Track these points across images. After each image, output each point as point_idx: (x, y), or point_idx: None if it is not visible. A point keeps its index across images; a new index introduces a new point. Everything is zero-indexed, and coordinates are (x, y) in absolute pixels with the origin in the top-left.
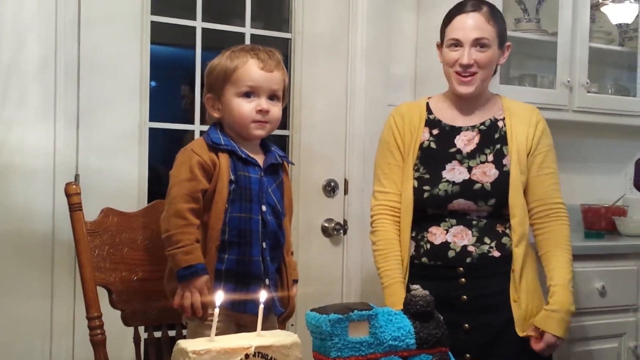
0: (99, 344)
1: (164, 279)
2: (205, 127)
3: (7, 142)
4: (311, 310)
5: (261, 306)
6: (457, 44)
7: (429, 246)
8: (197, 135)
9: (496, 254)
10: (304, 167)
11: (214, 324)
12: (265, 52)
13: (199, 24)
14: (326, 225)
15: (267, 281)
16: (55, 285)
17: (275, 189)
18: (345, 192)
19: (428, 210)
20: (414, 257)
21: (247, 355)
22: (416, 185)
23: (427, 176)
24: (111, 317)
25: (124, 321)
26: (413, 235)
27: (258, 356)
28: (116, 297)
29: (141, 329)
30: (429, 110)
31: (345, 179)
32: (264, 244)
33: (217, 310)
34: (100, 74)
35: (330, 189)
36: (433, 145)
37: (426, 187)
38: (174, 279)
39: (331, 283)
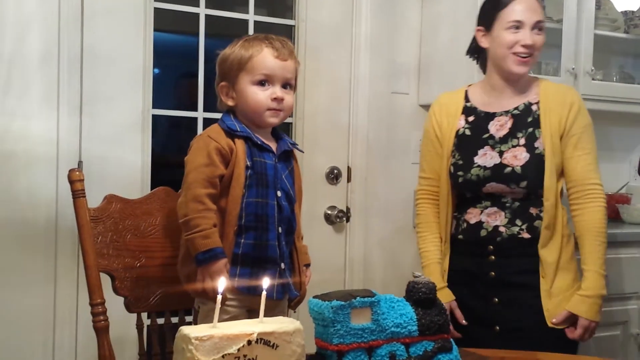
0: (102, 330)
1: (178, 263)
2: (208, 114)
3: (11, 131)
4: (314, 297)
5: (264, 293)
6: (518, 25)
7: (465, 225)
8: (200, 122)
9: (526, 235)
10: (307, 155)
11: (217, 311)
12: (279, 41)
13: (202, 11)
14: (329, 212)
15: (282, 265)
16: (58, 271)
17: (287, 175)
18: (349, 179)
19: (466, 193)
20: (454, 235)
21: (249, 342)
22: (452, 170)
23: (460, 162)
24: (114, 304)
25: (127, 307)
26: (455, 214)
27: (260, 342)
28: (119, 283)
29: (144, 315)
30: (466, 98)
31: (348, 167)
32: (280, 229)
33: (219, 297)
34: (104, 61)
35: (333, 176)
36: (468, 132)
37: (460, 173)
38: (189, 263)
39: (334, 270)
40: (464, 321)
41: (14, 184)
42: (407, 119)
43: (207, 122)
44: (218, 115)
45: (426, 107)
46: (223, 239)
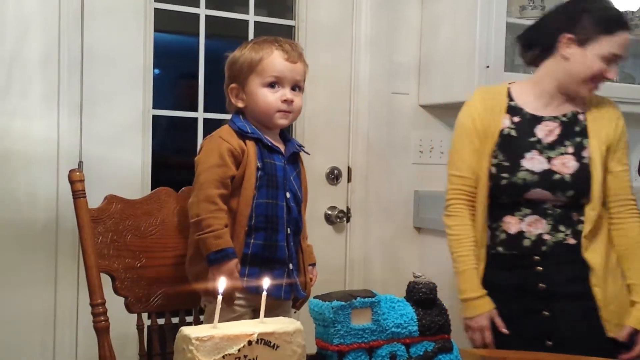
0: (102, 330)
1: (186, 262)
2: (208, 115)
3: (11, 131)
4: (314, 298)
5: (264, 293)
6: (614, 59)
7: (504, 235)
8: (200, 122)
9: (572, 241)
10: (307, 155)
11: (217, 312)
12: (288, 44)
13: (202, 11)
14: (329, 213)
15: (290, 266)
16: (58, 271)
17: (295, 177)
18: (349, 179)
19: (502, 198)
20: (490, 247)
21: (250, 342)
22: (494, 171)
23: (506, 163)
24: (115, 304)
25: (128, 308)
26: (488, 223)
27: (261, 343)
28: (119, 283)
29: (144, 315)
30: (509, 97)
31: (348, 167)
32: (288, 230)
33: (220, 298)
34: (104, 62)
35: (333, 176)
36: (513, 132)
37: (504, 175)
38: (198, 262)
39: (334, 270)
40: (504, 329)
41: (14, 184)
42: (407, 119)
43: (207, 123)
44: (218, 116)
45: (426, 107)
46: (233, 239)
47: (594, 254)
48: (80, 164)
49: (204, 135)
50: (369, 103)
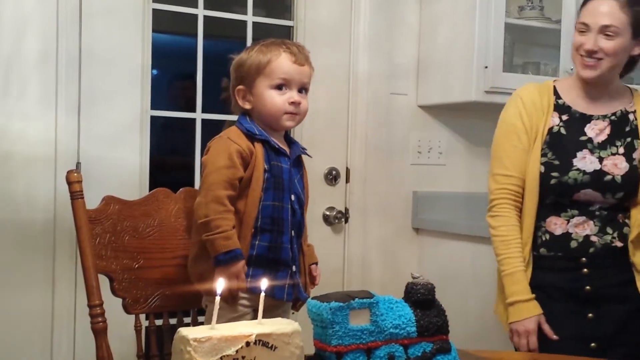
0: (100, 331)
1: (189, 262)
2: (206, 115)
3: (9, 132)
4: (312, 298)
5: (262, 294)
6: (585, 29)
7: (548, 236)
8: (198, 123)
9: (619, 244)
10: (305, 155)
11: (215, 312)
12: (296, 46)
13: (200, 12)
14: (328, 213)
15: (293, 267)
16: (56, 273)
17: (299, 180)
18: (347, 180)
19: (550, 198)
20: (532, 248)
21: (248, 343)
22: (543, 170)
23: (556, 162)
24: (112, 305)
25: (125, 309)
26: (543, 221)
27: (259, 344)
28: (117, 285)
29: (142, 316)
30: (556, 94)
31: (347, 167)
32: (292, 232)
33: (217, 299)
34: (102, 62)
35: (332, 177)
36: (563, 131)
37: (554, 174)
38: (203, 262)
39: (332, 271)
40: (554, 336)
41: (12, 185)
42: (406, 120)
43: (206, 124)
44: (216, 117)
45: (425, 107)
46: (240, 240)
47: None
48: (78, 164)
49: (202, 136)
50: (367, 103)
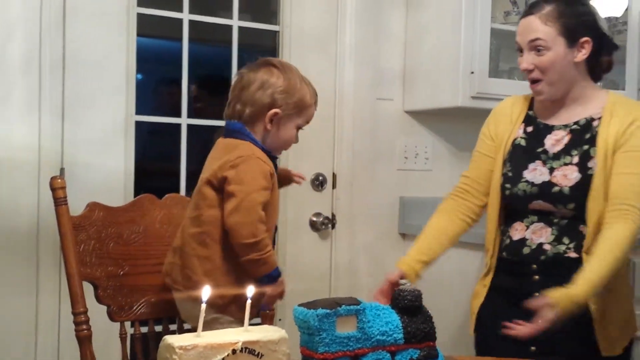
0: (84, 339)
1: (206, 276)
2: (191, 121)
3: None
4: (299, 305)
5: (248, 301)
6: (519, 49)
7: (508, 241)
8: (183, 128)
9: (573, 254)
10: (292, 161)
11: (201, 319)
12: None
13: (185, 16)
14: (314, 219)
15: None
16: (40, 280)
17: None
18: (334, 186)
19: (509, 206)
20: (498, 251)
21: (234, 351)
22: (501, 181)
23: (510, 174)
24: (97, 313)
25: (110, 316)
26: (502, 228)
27: (245, 351)
28: (102, 292)
29: (127, 324)
30: (531, 106)
31: (333, 173)
32: None
33: (203, 306)
34: (86, 67)
35: (318, 183)
36: (523, 142)
37: (507, 185)
38: (216, 277)
39: (319, 278)
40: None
41: None
42: (392, 125)
43: (191, 129)
44: (202, 122)
45: (411, 113)
46: None
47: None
48: (62, 170)
49: (188, 142)
50: (353, 109)
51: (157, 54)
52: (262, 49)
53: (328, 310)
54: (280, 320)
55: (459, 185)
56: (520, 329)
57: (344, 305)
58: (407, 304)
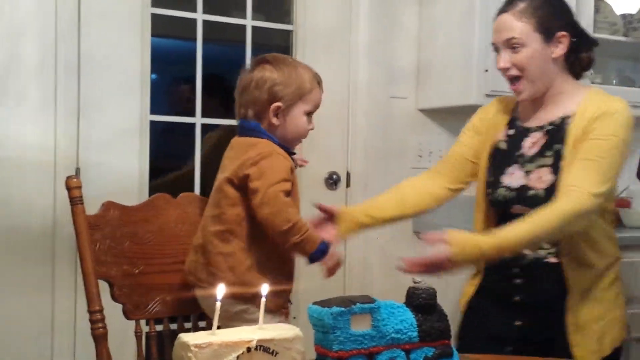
0: (100, 337)
1: (230, 271)
2: (206, 120)
3: (8, 137)
4: (313, 304)
5: (263, 299)
6: (496, 48)
7: None
8: (198, 128)
9: (552, 260)
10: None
11: (215, 317)
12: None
13: (199, 16)
14: None
15: None
16: (56, 279)
17: None
18: (347, 184)
19: (496, 210)
20: None
21: (248, 349)
22: (484, 187)
23: (491, 179)
24: (113, 311)
25: (126, 315)
26: (490, 231)
27: (260, 349)
28: (117, 290)
29: (143, 322)
30: (515, 108)
31: (347, 172)
32: None
33: (218, 304)
34: (101, 67)
35: (332, 181)
36: (504, 146)
37: (489, 191)
38: (247, 270)
39: (333, 276)
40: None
41: (11, 191)
42: (406, 124)
43: (205, 128)
44: (216, 121)
45: (424, 111)
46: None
47: (577, 279)
48: (78, 170)
49: (202, 141)
50: (367, 107)
51: (171, 54)
52: (276, 48)
53: (343, 309)
54: (294, 318)
55: (432, 168)
56: (408, 259)
57: (358, 304)
58: (422, 302)
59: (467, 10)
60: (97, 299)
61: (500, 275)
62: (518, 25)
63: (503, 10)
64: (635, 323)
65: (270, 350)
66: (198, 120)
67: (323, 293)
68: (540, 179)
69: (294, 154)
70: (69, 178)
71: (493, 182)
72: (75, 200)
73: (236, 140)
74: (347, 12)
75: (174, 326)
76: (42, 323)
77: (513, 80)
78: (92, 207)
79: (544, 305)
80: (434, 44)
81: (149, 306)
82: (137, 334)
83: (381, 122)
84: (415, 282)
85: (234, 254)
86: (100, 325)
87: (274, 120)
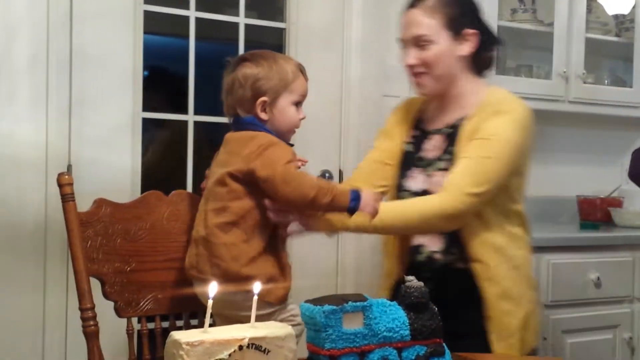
0: (91, 335)
1: (234, 261)
2: (198, 117)
3: (0, 134)
4: (305, 302)
5: (255, 297)
6: (403, 44)
7: (409, 245)
8: (190, 125)
9: (460, 265)
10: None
11: (207, 314)
12: (300, 64)
13: (192, 14)
14: None
15: None
16: (47, 276)
17: None
18: (340, 182)
19: None
20: (401, 255)
21: (240, 347)
22: (394, 190)
23: (397, 182)
24: (104, 309)
25: (117, 312)
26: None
27: (252, 348)
28: (109, 288)
29: (134, 320)
30: (422, 108)
31: (340, 170)
32: None
33: (210, 302)
34: (93, 64)
35: (325, 179)
36: (410, 148)
37: (396, 194)
38: (250, 261)
39: (326, 274)
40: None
41: (2, 187)
42: None
43: (198, 126)
44: (209, 119)
45: None
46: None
47: (485, 280)
48: (69, 167)
49: (195, 139)
50: (359, 105)
51: (163, 51)
52: (269, 46)
53: (334, 307)
54: None
55: (347, 180)
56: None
57: (350, 302)
58: (414, 301)
59: None
60: (89, 296)
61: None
62: (427, 22)
63: (412, 6)
64: (626, 322)
65: (263, 349)
66: (190, 117)
67: (315, 291)
68: (440, 183)
69: (292, 145)
70: (60, 175)
71: (399, 186)
72: (67, 197)
73: (232, 135)
74: (340, 10)
75: (166, 324)
76: (33, 320)
77: (417, 75)
78: (83, 204)
79: (453, 311)
80: None
81: (141, 304)
82: (129, 331)
83: (374, 120)
84: (407, 281)
85: (237, 245)
86: (91, 322)
87: (263, 115)
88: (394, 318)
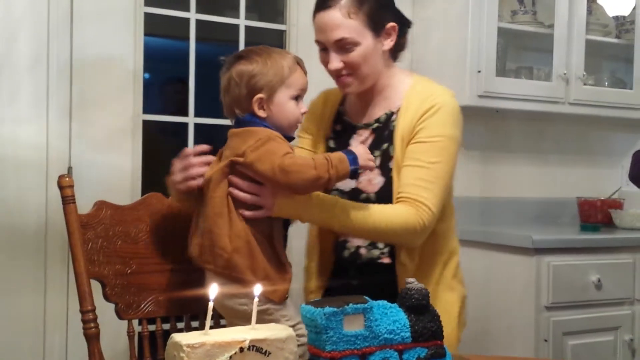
0: (92, 337)
1: (236, 252)
2: (198, 120)
3: (0, 136)
4: (306, 304)
5: (256, 299)
6: (323, 46)
7: (335, 241)
8: (190, 127)
9: (386, 260)
10: None
11: (208, 316)
12: (299, 58)
13: (192, 16)
14: None
15: None
16: (48, 278)
17: None
18: None
19: None
20: (326, 253)
21: (241, 349)
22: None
23: None
24: (105, 311)
25: (118, 314)
26: (329, 236)
27: (253, 350)
28: (110, 290)
29: (135, 322)
30: (342, 101)
31: None
32: None
33: (211, 304)
34: (93, 66)
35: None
36: (332, 144)
37: (323, 192)
38: (251, 251)
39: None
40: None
41: (3, 189)
42: None
43: (198, 128)
44: (209, 121)
45: None
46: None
47: (409, 275)
48: (70, 169)
49: (195, 141)
50: None
51: (164, 53)
52: None
53: (335, 309)
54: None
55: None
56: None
57: (351, 304)
58: (415, 303)
59: (460, 11)
60: (89, 298)
61: (340, 275)
62: (348, 24)
63: (327, 7)
64: (627, 324)
65: (263, 351)
66: (191, 119)
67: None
68: (370, 182)
69: (293, 138)
70: (61, 177)
71: None
72: (68, 200)
73: (233, 131)
74: None
75: (166, 326)
76: (34, 323)
77: (342, 77)
78: (84, 206)
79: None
80: (426, 45)
81: (142, 306)
82: (130, 333)
83: None
84: (408, 283)
85: (239, 235)
86: (92, 325)
87: (260, 113)
88: (395, 320)
